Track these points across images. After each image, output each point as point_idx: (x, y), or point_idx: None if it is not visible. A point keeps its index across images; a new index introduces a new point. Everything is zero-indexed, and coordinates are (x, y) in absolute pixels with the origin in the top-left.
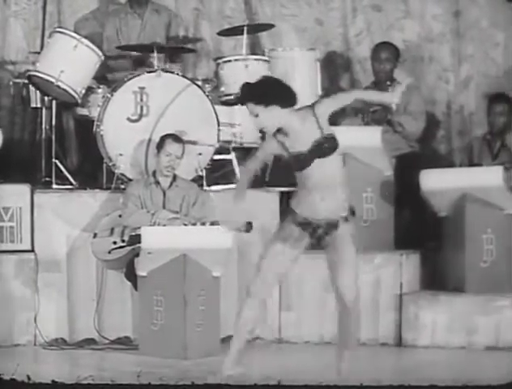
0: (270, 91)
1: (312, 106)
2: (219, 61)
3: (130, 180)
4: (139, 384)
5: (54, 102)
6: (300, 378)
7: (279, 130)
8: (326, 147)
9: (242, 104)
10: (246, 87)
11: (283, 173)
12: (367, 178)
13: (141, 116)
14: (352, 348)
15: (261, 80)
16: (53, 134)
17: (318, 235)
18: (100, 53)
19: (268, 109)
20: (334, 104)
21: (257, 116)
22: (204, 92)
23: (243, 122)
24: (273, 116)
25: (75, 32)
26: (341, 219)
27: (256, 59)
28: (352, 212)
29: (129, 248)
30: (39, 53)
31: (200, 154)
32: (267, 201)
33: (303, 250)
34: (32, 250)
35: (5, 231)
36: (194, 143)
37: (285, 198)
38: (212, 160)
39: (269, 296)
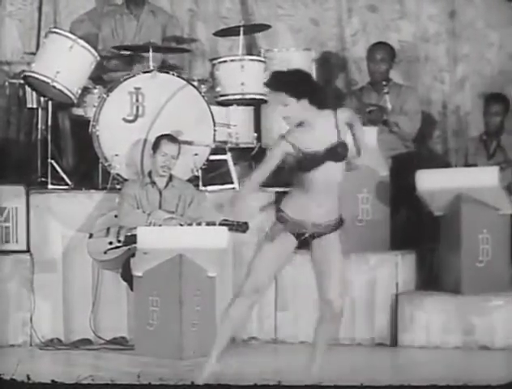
0: (304, 85)
1: (335, 110)
2: (215, 61)
3: (126, 180)
4: (139, 384)
5: (50, 102)
6: (296, 379)
7: (299, 124)
8: (339, 151)
9: (272, 91)
10: (280, 75)
11: (280, 173)
12: (362, 179)
13: (137, 116)
14: (324, 352)
15: (295, 71)
16: (48, 135)
17: (305, 238)
18: (96, 54)
19: (300, 102)
20: (353, 119)
21: (285, 105)
22: (200, 93)
23: (239, 123)
24: (301, 109)
25: (71, 32)
26: (330, 225)
27: (252, 60)
28: (341, 221)
29: (125, 248)
30: (34, 53)
31: (196, 154)
32: (263, 201)
33: (293, 250)
34: (28, 251)
35: (0, 231)
36: (189, 143)
37: (281, 198)
38: (208, 161)
39: (260, 296)
